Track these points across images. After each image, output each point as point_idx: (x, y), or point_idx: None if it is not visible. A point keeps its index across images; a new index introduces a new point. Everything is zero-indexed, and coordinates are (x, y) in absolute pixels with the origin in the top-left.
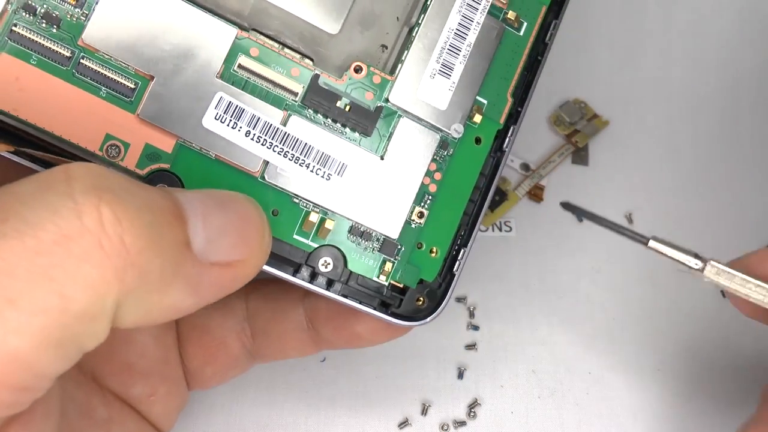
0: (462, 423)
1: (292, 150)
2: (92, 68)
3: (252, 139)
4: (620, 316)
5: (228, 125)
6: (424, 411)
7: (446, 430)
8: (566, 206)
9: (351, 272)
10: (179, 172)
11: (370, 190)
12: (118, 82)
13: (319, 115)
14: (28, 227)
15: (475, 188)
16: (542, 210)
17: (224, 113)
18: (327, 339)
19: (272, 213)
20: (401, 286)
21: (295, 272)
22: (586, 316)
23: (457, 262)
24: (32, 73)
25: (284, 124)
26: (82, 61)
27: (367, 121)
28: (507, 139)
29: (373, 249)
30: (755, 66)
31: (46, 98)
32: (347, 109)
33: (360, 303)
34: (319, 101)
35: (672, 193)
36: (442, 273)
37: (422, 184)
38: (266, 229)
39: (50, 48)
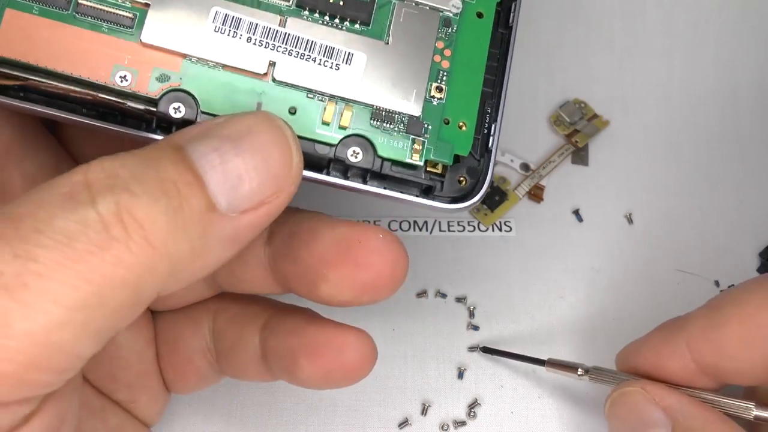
0: (462, 423)
1: (296, 47)
2: (91, 7)
3: (254, 44)
4: (620, 316)
5: (228, 35)
6: (424, 411)
7: (446, 430)
8: (485, 350)
9: (383, 159)
10: (191, 88)
11: (382, 73)
12: (117, 14)
13: (316, 14)
14: (64, 238)
15: (490, 66)
16: (542, 210)
17: (222, 25)
18: (278, 374)
19: (290, 112)
20: (437, 170)
21: (327, 170)
22: (585, 316)
23: (491, 138)
24: (36, 22)
25: (283, 26)
26: (80, 2)
27: (363, 12)
28: (511, 15)
29: (399, 131)
30: (755, 66)
31: (53, 42)
32: (341, 3)
33: (401, 193)
34: (312, 2)
35: (672, 193)
36: (477, 149)
37: (433, 61)
38: (293, 149)
39: None
